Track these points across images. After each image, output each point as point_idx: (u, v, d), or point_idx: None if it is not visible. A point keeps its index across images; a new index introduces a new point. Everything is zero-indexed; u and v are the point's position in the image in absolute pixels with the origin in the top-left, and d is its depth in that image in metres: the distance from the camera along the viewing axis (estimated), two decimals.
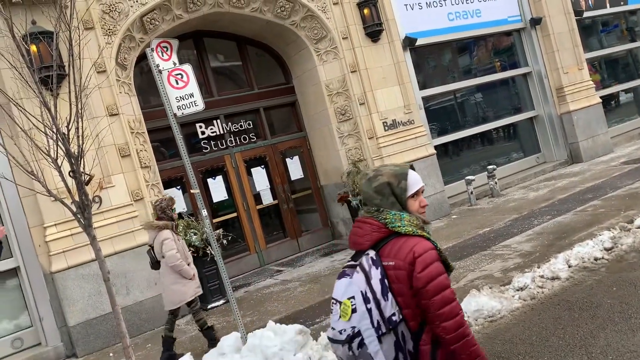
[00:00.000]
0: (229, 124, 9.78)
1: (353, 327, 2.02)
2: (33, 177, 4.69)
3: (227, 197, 9.69)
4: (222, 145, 9.70)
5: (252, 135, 10.07)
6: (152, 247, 5.96)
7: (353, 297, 2.05)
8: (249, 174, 9.96)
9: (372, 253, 2.12)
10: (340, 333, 2.05)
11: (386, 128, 9.78)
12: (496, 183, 10.94)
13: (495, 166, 11.12)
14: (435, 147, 10.62)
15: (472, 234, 8.27)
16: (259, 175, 10.07)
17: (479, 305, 5.02)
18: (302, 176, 10.43)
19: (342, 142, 9.78)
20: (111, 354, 6.63)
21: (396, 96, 9.94)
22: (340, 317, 2.07)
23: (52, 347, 7.01)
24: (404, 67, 10.13)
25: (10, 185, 6.88)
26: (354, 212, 9.25)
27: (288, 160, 10.36)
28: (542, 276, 5.58)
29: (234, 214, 9.75)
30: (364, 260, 2.11)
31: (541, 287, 5.38)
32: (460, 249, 7.54)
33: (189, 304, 5.93)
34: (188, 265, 5.94)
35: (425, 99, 11.18)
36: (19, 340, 7.13)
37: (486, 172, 11.02)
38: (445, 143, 11.69)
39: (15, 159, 4.98)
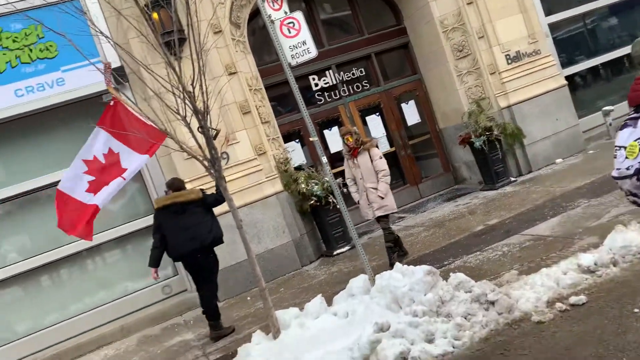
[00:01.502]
0: (341, 73, 9.69)
1: None
2: (168, 135, 5.01)
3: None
4: (335, 95, 9.68)
5: (364, 83, 9.92)
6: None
7: (638, 139, 2.54)
8: (364, 122, 9.86)
9: None
10: (628, 169, 2.56)
11: (509, 61, 9.08)
12: None
13: None
14: (566, 78, 9.69)
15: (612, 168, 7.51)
16: (374, 123, 9.94)
17: (627, 241, 4.57)
18: (419, 121, 10.12)
19: (460, 80, 9.28)
20: (249, 298, 7.10)
21: (518, 25, 9.14)
22: (626, 157, 2.57)
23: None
24: None
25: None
26: (477, 153, 8.82)
27: (403, 105, 10.09)
28: None
29: None
30: None
31: None
32: (600, 185, 6.90)
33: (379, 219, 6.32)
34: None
35: (552, 27, 10.17)
36: (168, 287, 7.89)
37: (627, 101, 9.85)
38: (576, 73, 10.65)
39: (150, 119, 5.36)
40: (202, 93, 4.78)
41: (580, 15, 10.81)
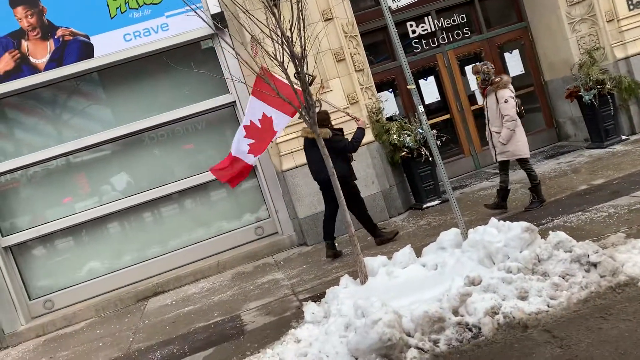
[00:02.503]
0: (441, 19, 9.25)
1: None
2: (264, 80, 5.08)
3: (439, 99, 9.40)
4: (433, 43, 9.29)
5: (465, 31, 9.42)
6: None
7: None
8: (462, 73, 9.43)
9: None
10: None
11: (631, 7, 8.21)
12: None
13: None
14: None
15: None
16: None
17: None
18: (523, 72, 9.50)
19: (572, 28, 8.53)
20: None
21: None
22: None
23: (287, 236, 7.93)
24: None
25: (244, 93, 7.66)
26: (585, 109, 8.19)
27: (506, 55, 9.49)
28: None
29: (447, 116, 9.45)
30: None
31: None
32: None
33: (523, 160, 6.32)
34: None
35: None
36: (261, 229, 8.21)
37: None
38: None
39: (248, 64, 5.45)
40: (300, 38, 4.76)
41: None
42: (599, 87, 7.89)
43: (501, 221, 4.60)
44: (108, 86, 7.93)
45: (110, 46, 7.46)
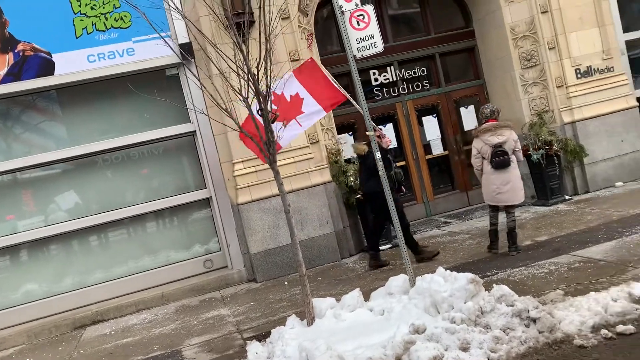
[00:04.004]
0: (403, 70, 9.60)
1: None
2: (227, 114, 5.12)
3: (396, 145, 9.65)
4: (394, 92, 9.60)
5: (425, 83, 9.79)
6: (501, 145, 6.29)
7: None
8: (420, 123, 9.75)
9: None
10: None
11: (579, 76, 8.77)
12: None
13: None
14: (637, 100, 9.27)
15: None
16: (430, 125, 9.81)
17: None
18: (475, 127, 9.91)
19: (525, 90, 9.02)
20: (286, 283, 7.19)
21: (593, 40, 8.80)
22: None
23: (236, 271, 7.83)
24: (606, 5, 8.87)
25: (206, 124, 7.68)
26: (533, 167, 8.59)
27: (462, 109, 9.90)
28: None
29: (403, 163, 9.67)
30: None
31: None
32: None
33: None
34: None
35: (630, 44, 9.72)
36: (210, 262, 8.08)
37: None
38: None
39: (212, 97, 5.48)
40: (266, 77, 4.85)
41: None
42: (546, 147, 8.31)
43: (448, 271, 4.72)
44: (66, 105, 7.77)
45: (73, 65, 7.35)
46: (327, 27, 9.32)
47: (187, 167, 8.28)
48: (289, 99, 5.78)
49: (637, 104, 9.05)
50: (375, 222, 7.18)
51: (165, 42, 5.34)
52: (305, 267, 5.08)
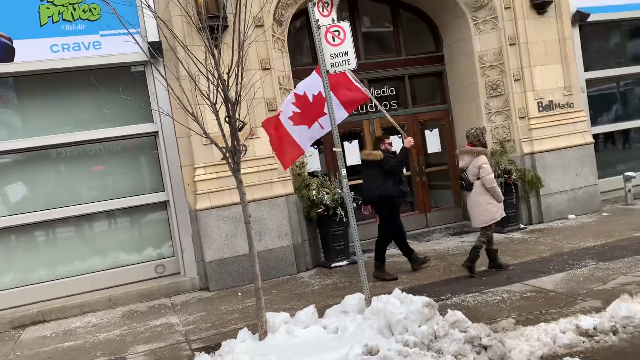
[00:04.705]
0: (372, 89, 9.67)
1: None
2: (193, 118, 5.00)
3: (360, 163, 9.68)
4: (361, 110, 9.65)
5: (393, 103, 9.90)
6: (464, 171, 6.56)
7: None
8: None
9: None
10: None
11: (540, 109, 9.05)
12: None
13: None
14: (593, 136, 9.63)
15: (625, 235, 7.44)
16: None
17: (631, 312, 4.49)
18: (440, 150, 10.07)
19: (489, 118, 9.24)
20: (239, 294, 7.05)
21: (556, 75, 9.12)
22: None
23: (189, 278, 7.63)
24: (570, 44, 9.22)
25: (169, 126, 7.50)
26: None
27: (427, 132, 10.05)
28: None
29: None
30: None
31: None
32: (610, 250, 6.83)
33: (489, 227, 6.50)
34: None
35: (589, 82, 10.12)
36: (162, 267, 7.86)
37: None
38: (604, 133, 10.58)
39: (179, 99, 5.35)
40: (237, 84, 4.77)
41: (616, 77, 10.75)
42: (505, 176, 8.50)
43: (404, 293, 4.72)
44: (23, 94, 7.45)
45: (35, 54, 7.07)
46: (299, 39, 9.32)
47: (145, 168, 8.05)
48: (311, 99, 5.69)
49: (593, 140, 9.40)
50: (385, 229, 7.03)
51: (134, 38, 5.18)
52: (260, 280, 4.98)
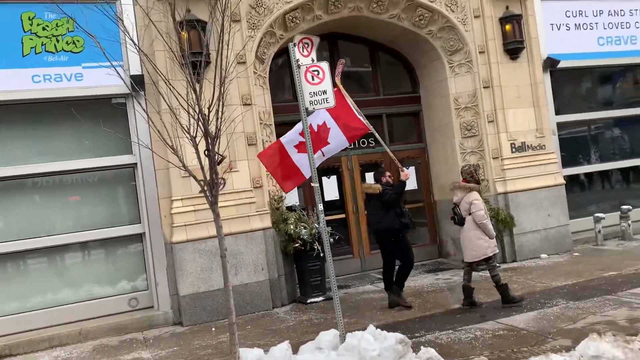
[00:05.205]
0: None
1: None
2: (172, 151, 5.06)
3: (338, 198, 9.80)
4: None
5: (370, 140, 10.08)
6: (457, 205, 6.79)
7: None
8: (362, 178, 9.96)
9: None
10: None
11: (513, 150, 9.32)
12: (629, 225, 10.00)
13: (630, 207, 10.16)
14: (564, 178, 9.92)
15: (595, 275, 7.61)
16: (372, 181, 10.00)
17: (599, 351, 4.57)
18: (416, 188, 10.24)
19: (463, 158, 9.47)
20: (213, 329, 6.97)
21: (529, 118, 9.44)
22: None
23: (162, 312, 7.52)
24: (541, 88, 9.59)
25: (148, 158, 7.53)
26: None
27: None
28: None
29: (343, 215, 9.83)
30: None
31: None
32: (580, 289, 6.97)
33: (487, 259, 6.61)
34: None
35: (560, 125, 10.49)
36: (135, 300, 7.74)
37: (618, 213, 10.12)
38: (575, 175, 10.89)
39: (159, 132, 5.41)
40: (217, 119, 4.86)
41: (587, 121, 11.15)
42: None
43: (378, 329, 4.74)
44: (2, 123, 7.41)
45: (15, 83, 7.09)
46: (281, 76, 9.52)
47: (122, 200, 8.02)
48: (316, 129, 5.88)
49: (564, 181, 9.68)
50: (401, 259, 7.14)
51: (117, 72, 5.27)
52: (235, 315, 4.96)
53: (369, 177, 9.94)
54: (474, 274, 6.87)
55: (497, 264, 7.18)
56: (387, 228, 6.97)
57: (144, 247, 7.81)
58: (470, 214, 6.57)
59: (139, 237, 7.84)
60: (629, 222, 10.00)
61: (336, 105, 5.52)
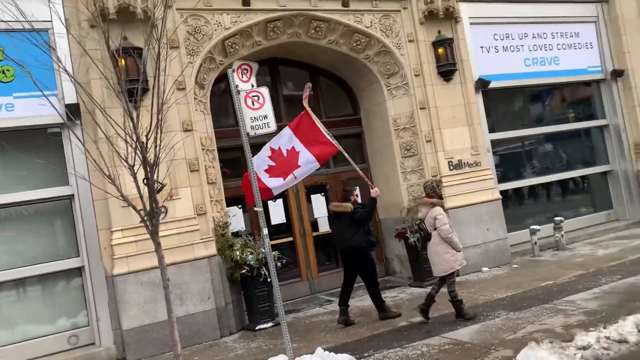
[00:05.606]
0: None
1: None
2: (110, 181, 4.94)
3: (284, 221, 9.79)
4: None
5: None
6: (422, 221, 7.05)
7: None
8: (309, 200, 10.04)
9: None
10: None
11: (451, 168, 9.65)
12: (562, 236, 10.50)
13: (562, 218, 10.69)
14: (501, 193, 10.34)
15: (533, 286, 7.93)
16: (318, 203, 10.11)
17: (537, 359, 4.77)
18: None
19: (404, 177, 9.72)
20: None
21: (464, 137, 9.83)
22: None
23: (105, 349, 7.22)
24: (475, 108, 10.02)
25: (86, 188, 7.29)
26: (411, 249, 9.09)
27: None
28: (608, 337, 5.23)
29: (290, 239, 9.81)
30: None
31: (606, 349, 5.05)
32: (520, 300, 7.24)
33: (450, 275, 6.70)
34: None
35: (494, 143, 10.97)
36: (75, 338, 7.40)
37: (552, 224, 10.62)
38: (510, 189, 11.39)
39: (96, 162, 5.28)
40: (156, 146, 4.80)
41: (520, 138, 11.74)
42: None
43: (326, 352, 4.75)
44: None
45: None
46: (223, 101, 9.50)
47: (60, 233, 7.70)
48: (285, 154, 6.04)
49: (500, 196, 10.09)
50: (370, 277, 7.32)
51: (50, 102, 5.15)
52: (181, 346, 4.84)
53: (315, 198, 10.08)
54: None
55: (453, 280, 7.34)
56: (355, 246, 7.11)
57: (83, 281, 7.51)
58: (435, 228, 6.73)
59: (78, 271, 7.54)
60: (562, 232, 10.50)
61: (305, 127, 5.85)
